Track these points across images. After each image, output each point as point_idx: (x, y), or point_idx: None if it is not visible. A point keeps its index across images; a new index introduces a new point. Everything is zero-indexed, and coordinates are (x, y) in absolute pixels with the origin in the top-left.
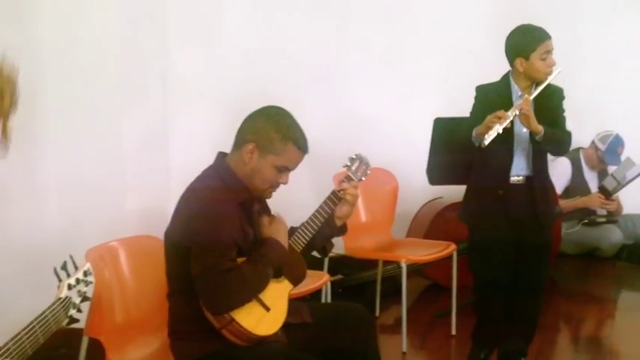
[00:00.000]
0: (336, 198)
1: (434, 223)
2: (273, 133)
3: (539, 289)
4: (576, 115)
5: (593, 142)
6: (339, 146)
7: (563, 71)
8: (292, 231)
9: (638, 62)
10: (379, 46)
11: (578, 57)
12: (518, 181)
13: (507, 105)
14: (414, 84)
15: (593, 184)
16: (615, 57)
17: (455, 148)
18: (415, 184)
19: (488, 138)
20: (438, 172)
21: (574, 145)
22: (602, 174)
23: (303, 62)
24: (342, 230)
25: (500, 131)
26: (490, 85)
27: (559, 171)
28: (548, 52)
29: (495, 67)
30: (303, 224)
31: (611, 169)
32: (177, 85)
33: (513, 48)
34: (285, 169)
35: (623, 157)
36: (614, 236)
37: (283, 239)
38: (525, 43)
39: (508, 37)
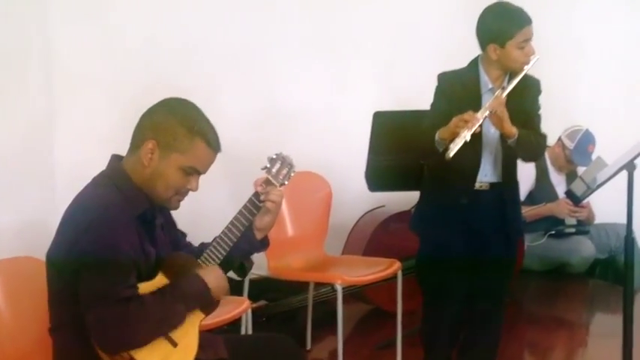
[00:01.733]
0: (254, 206)
1: (375, 237)
2: (176, 126)
3: (499, 313)
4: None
5: (559, 140)
6: (260, 147)
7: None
8: (203, 247)
9: (609, 47)
10: (309, 28)
11: (541, 41)
12: (482, 187)
13: (475, 99)
14: (350, 72)
15: (560, 189)
16: (583, 41)
17: (400, 148)
18: (352, 191)
19: (454, 147)
20: (379, 177)
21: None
22: (571, 176)
23: (217, 48)
24: (263, 245)
25: (468, 138)
26: (455, 73)
27: (521, 173)
28: (528, 39)
29: (453, 51)
30: (215, 239)
31: (581, 170)
32: (62, 72)
33: (487, 32)
34: (193, 172)
35: (594, 157)
36: (585, 249)
37: (213, 281)
38: (502, 28)
39: (481, 17)
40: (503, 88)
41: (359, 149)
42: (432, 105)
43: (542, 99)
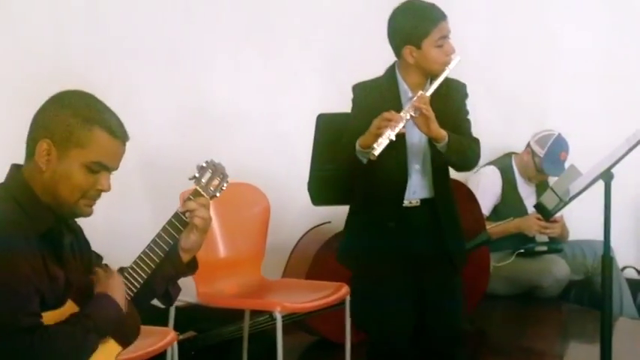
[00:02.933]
0: (180, 223)
1: (320, 258)
2: (70, 118)
3: (455, 345)
4: (506, 110)
5: (528, 145)
6: (187, 154)
7: (487, 57)
8: (120, 272)
9: (582, 45)
10: (242, 19)
11: (506, 38)
12: (412, 204)
13: (395, 108)
14: (290, 69)
15: (530, 202)
16: (555, 39)
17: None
18: (294, 205)
19: (378, 147)
20: (323, 188)
21: (504, 148)
22: (542, 187)
23: (134, 39)
24: (190, 268)
25: (394, 137)
26: (371, 83)
27: (484, 184)
28: (445, 36)
29: None
30: (135, 261)
31: (553, 180)
32: None
33: (400, 34)
34: (100, 168)
35: (567, 165)
36: (558, 270)
37: (120, 297)
38: (415, 26)
39: (391, 19)
40: (427, 89)
41: (301, 157)
42: (350, 119)
43: (508, 100)
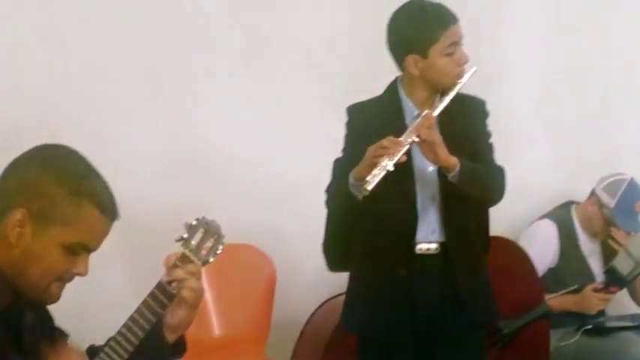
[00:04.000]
0: (164, 295)
1: (337, 337)
2: (55, 187)
3: None
4: (567, 151)
5: (593, 194)
6: (172, 210)
7: (546, 89)
8: (92, 352)
9: None
10: (237, 43)
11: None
12: (430, 251)
13: (399, 131)
14: (297, 103)
15: (594, 260)
16: (625, 62)
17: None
18: (305, 271)
19: (372, 180)
20: (342, 249)
21: (564, 197)
22: (607, 243)
23: (105, 70)
24: (177, 350)
25: (392, 168)
26: (369, 103)
27: (538, 240)
28: (456, 43)
29: None
30: (108, 343)
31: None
32: None
33: (402, 41)
34: (81, 249)
35: None
36: (637, 351)
37: None
38: (421, 31)
39: (392, 24)
40: (433, 109)
41: (314, 212)
42: (344, 148)
43: (573, 140)
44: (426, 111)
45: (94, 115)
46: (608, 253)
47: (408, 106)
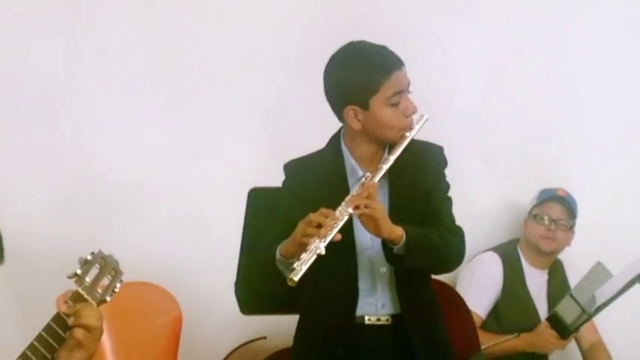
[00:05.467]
0: (55, 338)
1: None
2: None
3: None
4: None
5: (527, 215)
6: (66, 244)
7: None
8: None
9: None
10: (144, 60)
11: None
12: (380, 321)
13: (340, 195)
14: (210, 128)
15: (542, 304)
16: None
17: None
18: (214, 314)
19: (301, 269)
20: (256, 291)
21: (508, 233)
22: (556, 273)
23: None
24: None
25: (323, 251)
26: (309, 159)
27: (480, 275)
28: (401, 91)
29: None
30: None
31: (572, 279)
32: None
33: (339, 90)
34: None
35: (566, 199)
36: None
37: None
38: (359, 80)
39: (327, 69)
40: (377, 170)
41: (225, 249)
42: (279, 211)
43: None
44: (367, 175)
45: None
46: (554, 296)
47: (351, 164)
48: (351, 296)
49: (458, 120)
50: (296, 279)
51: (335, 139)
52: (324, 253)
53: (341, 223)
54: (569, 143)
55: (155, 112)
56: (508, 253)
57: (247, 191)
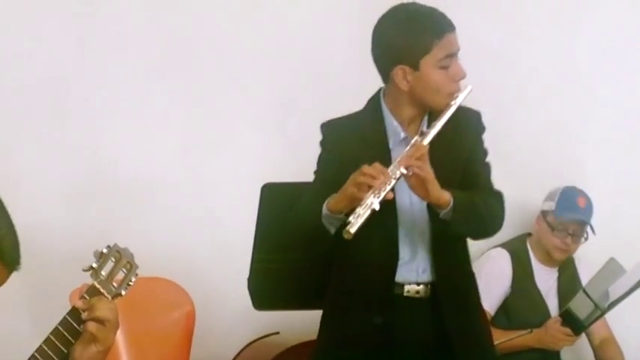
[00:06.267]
0: (70, 332)
1: None
2: None
3: None
4: (521, 177)
5: (540, 213)
6: (79, 237)
7: (495, 106)
8: None
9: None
10: (154, 51)
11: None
12: (416, 294)
13: (381, 156)
14: (221, 119)
15: (552, 301)
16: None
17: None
18: (227, 309)
19: (356, 222)
20: (269, 286)
21: (519, 228)
22: (567, 271)
23: (4, 80)
24: None
25: (377, 206)
26: (347, 120)
27: (489, 272)
28: (452, 54)
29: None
30: None
31: (583, 274)
32: None
33: (389, 49)
34: None
35: (586, 213)
36: None
37: None
38: (412, 39)
39: (377, 28)
40: (423, 134)
41: (238, 243)
42: (317, 170)
43: (527, 165)
44: (416, 138)
45: None
46: (564, 292)
47: (393, 126)
48: (392, 261)
49: None
50: (352, 231)
51: (374, 101)
52: (378, 209)
53: (393, 182)
54: (583, 136)
55: (167, 106)
56: (517, 250)
57: (260, 186)
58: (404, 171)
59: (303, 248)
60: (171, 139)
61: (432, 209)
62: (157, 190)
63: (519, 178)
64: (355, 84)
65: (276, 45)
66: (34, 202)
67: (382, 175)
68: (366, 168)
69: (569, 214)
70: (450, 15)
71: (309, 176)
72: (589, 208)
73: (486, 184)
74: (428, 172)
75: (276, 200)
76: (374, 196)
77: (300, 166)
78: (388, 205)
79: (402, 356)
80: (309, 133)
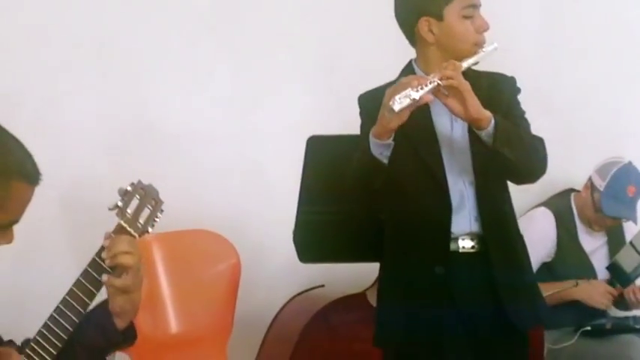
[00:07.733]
0: (99, 272)
1: (308, 336)
2: None
3: None
4: (566, 131)
5: (589, 179)
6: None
7: (541, 60)
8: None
9: None
10: (201, 5)
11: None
12: (474, 249)
13: (419, 118)
14: (267, 73)
15: (598, 258)
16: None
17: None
18: (272, 261)
19: (399, 102)
20: (315, 238)
21: (564, 184)
22: (615, 236)
23: (51, 32)
24: (126, 338)
25: (417, 97)
26: (381, 89)
27: (532, 231)
28: (474, 5)
29: None
30: (40, 331)
31: (630, 229)
32: None
33: (413, 3)
34: (9, 225)
35: (632, 205)
36: (638, 355)
37: None
38: None
39: None
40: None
41: (284, 195)
42: (360, 139)
43: (572, 119)
44: (452, 60)
45: (39, 80)
46: (615, 249)
47: None
48: (445, 208)
49: (516, 66)
50: (396, 108)
51: (408, 68)
52: (417, 98)
53: (431, 85)
54: (630, 93)
55: (214, 60)
56: (562, 211)
57: (305, 139)
58: (437, 81)
59: (360, 187)
60: (217, 92)
61: (474, 134)
62: (203, 144)
63: (566, 135)
64: (400, 39)
65: (324, 6)
66: (79, 157)
67: (416, 80)
68: (404, 79)
69: (614, 208)
70: None
71: (354, 129)
72: (637, 197)
73: (526, 131)
74: (462, 82)
75: (322, 153)
76: (415, 91)
77: (345, 117)
78: (431, 145)
79: (462, 305)
80: (355, 87)
